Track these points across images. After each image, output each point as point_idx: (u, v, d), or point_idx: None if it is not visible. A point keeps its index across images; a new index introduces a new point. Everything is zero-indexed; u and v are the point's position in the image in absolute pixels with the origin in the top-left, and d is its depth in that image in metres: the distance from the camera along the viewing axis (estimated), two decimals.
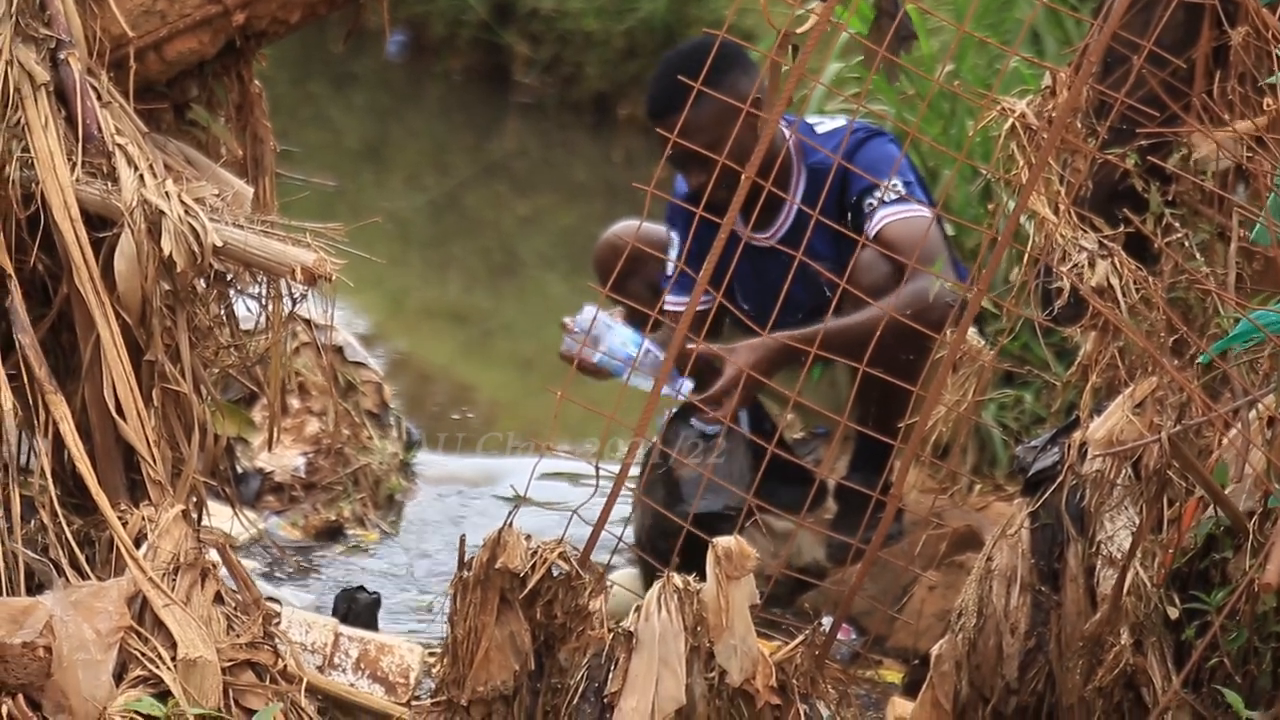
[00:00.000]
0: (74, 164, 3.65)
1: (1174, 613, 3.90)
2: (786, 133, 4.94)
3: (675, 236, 5.13)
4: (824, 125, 5.13)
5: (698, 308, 3.82)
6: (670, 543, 4.09)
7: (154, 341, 3.62)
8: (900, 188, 5.01)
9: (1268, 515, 3.71)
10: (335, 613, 4.67)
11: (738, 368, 4.73)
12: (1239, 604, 3.66)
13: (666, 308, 5.03)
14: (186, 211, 3.60)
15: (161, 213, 3.59)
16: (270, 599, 3.90)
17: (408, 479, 5.95)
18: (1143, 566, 3.94)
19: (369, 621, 4.67)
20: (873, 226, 4.92)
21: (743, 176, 3.85)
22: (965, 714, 4.18)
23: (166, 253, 3.58)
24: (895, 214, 4.90)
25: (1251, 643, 3.69)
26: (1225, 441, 3.90)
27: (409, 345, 7.75)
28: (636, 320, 4.95)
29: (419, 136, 11.28)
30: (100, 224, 3.65)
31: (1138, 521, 3.98)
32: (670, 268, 5.12)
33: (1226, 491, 3.86)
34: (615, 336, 4.89)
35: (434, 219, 9.58)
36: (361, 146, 11.08)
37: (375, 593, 4.80)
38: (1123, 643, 3.94)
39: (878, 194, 4.94)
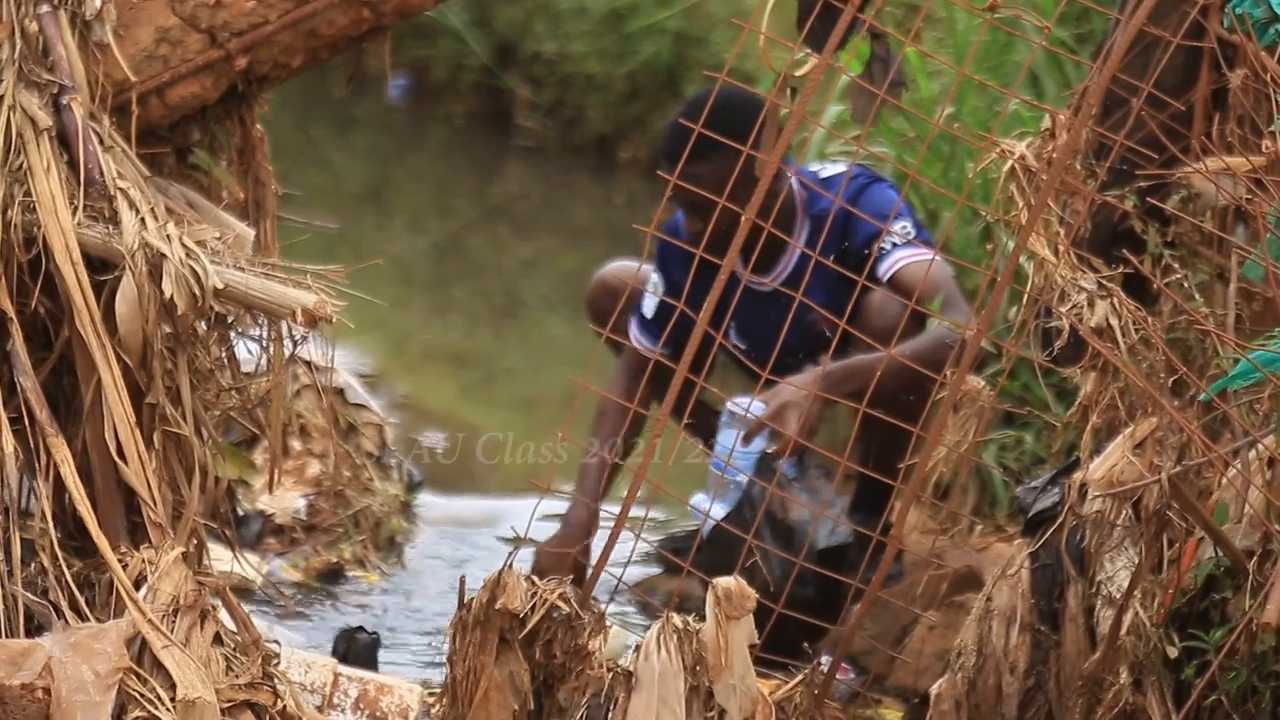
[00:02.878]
0: (75, 208, 3.66)
1: (1173, 652, 3.90)
2: (793, 179, 4.96)
3: (657, 277, 5.13)
4: (825, 171, 5.15)
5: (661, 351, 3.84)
6: (807, 590, 4.07)
7: (155, 384, 3.62)
8: (910, 231, 5.03)
9: (1267, 555, 3.71)
10: (335, 653, 4.67)
11: (784, 395, 4.75)
12: (1238, 643, 3.66)
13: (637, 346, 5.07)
14: (188, 254, 3.62)
15: (163, 255, 3.61)
16: (270, 641, 3.90)
17: (409, 520, 5.95)
18: (1142, 606, 3.94)
19: (368, 661, 4.67)
20: (887, 270, 4.94)
21: (743, 219, 3.87)
22: None
23: (168, 295, 3.59)
24: (909, 257, 4.92)
25: (1251, 682, 3.69)
26: (1225, 482, 3.90)
27: (411, 388, 7.76)
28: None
29: (421, 180, 11.30)
30: (101, 267, 3.67)
31: (1137, 561, 3.98)
32: (647, 305, 5.13)
33: (1226, 531, 3.86)
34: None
35: (436, 261, 9.59)
36: (363, 189, 11.11)
37: (374, 633, 4.80)
38: (1122, 682, 3.94)
39: (888, 238, 4.96)
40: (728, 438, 4.85)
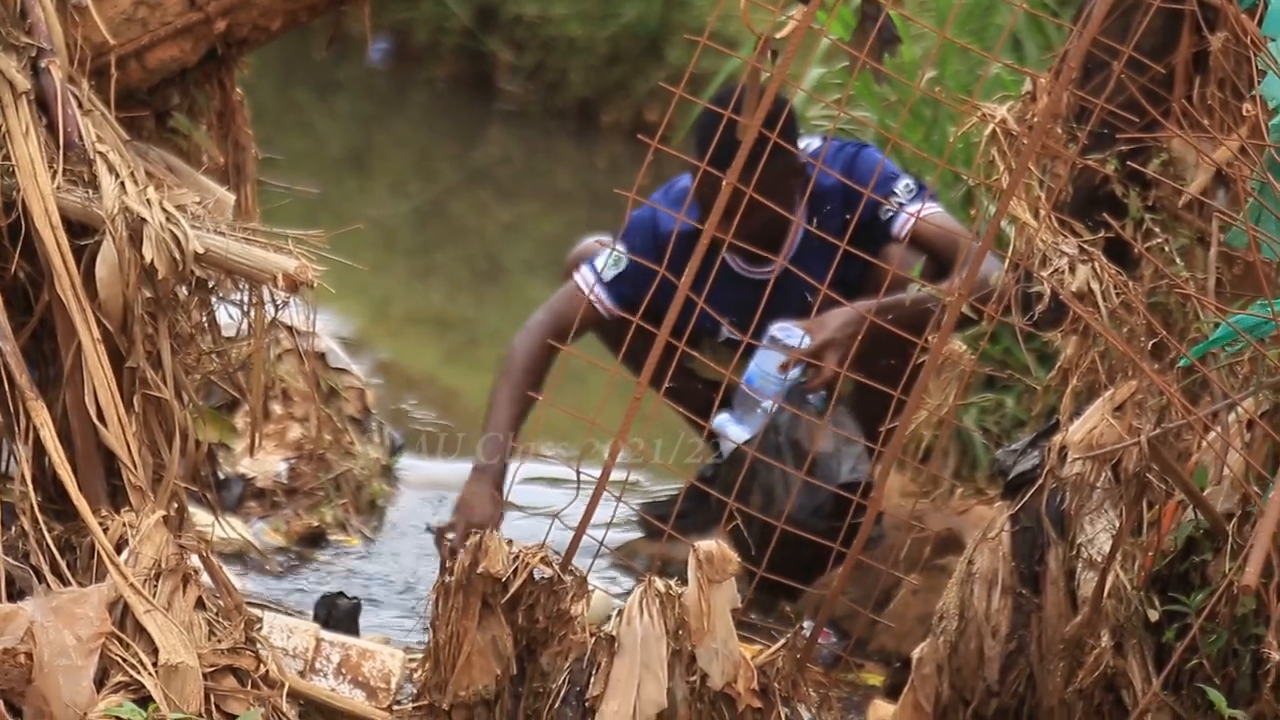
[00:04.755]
0: (55, 172, 3.65)
1: (1154, 615, 3.91)
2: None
3: (621, 248, 5.13)
4: (803, 144, 5.14)
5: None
6: (823, 522, 4.05)
7: (135, 348, 3.62)
8: (912, 187, 5.07)
9: (1247, 518, 3.73)
10: (316, 618, 4.67)
11: (829, 331, 4.78)
12: (1218, 606, 3.67)
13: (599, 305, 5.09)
14: (168, 219, 3.61)
15: (143, 220, 3.60)
16: (252, 604, 3.90)
17: (390, 484, 5.95)
18: (1123, 569, 3.96)
19: (349, 627, 4.68)
20: (901, 228, 4.97)
21: (746, 209, 3.85)
22: (946, 716, 4.19)
23: (148, 260, 3.58)
24: (920, 211, 4.95)
25: (1231, 644, 3.71)
26: (1204, 444, 3.91)
27: (393, 352, 7.75)
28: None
29: (403, 144, 11.28)
30: (81, 231, 3.66)
31: (1118, 524, 3.99)
32: (603, 266, 5.14)
33: (1206, 494, 3.87)
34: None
35: (418, 226, 9.58)
36: (345, 154, 11.09)
37: (355, 598, 4.80)
38: (1103, 645, 3.95)
39: (893, 199, 5.00)
40: (766, 359, 4.90)
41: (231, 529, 4.90)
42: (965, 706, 4.14)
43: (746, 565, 3.85)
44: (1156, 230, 4.27)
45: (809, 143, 5.17)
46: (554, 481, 5.50)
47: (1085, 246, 4.07)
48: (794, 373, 4.88)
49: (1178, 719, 3.83)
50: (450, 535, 4.88)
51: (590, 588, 3.80)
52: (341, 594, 4.84)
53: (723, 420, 4.98)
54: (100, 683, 3.26)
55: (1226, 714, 3.37)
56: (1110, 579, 3.95)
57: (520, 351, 5.13)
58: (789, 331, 4.89)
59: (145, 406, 3.63)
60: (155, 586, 3.40)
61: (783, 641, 3.81)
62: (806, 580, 4.05)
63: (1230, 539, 3.73)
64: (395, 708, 3.88)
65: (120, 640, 3.30)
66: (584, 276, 5.16)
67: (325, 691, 4.08)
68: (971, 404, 5.34)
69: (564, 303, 5.19)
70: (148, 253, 3.58)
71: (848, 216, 4.93)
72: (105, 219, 3.60)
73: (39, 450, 3.57)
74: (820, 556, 3.95)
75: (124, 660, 3.27)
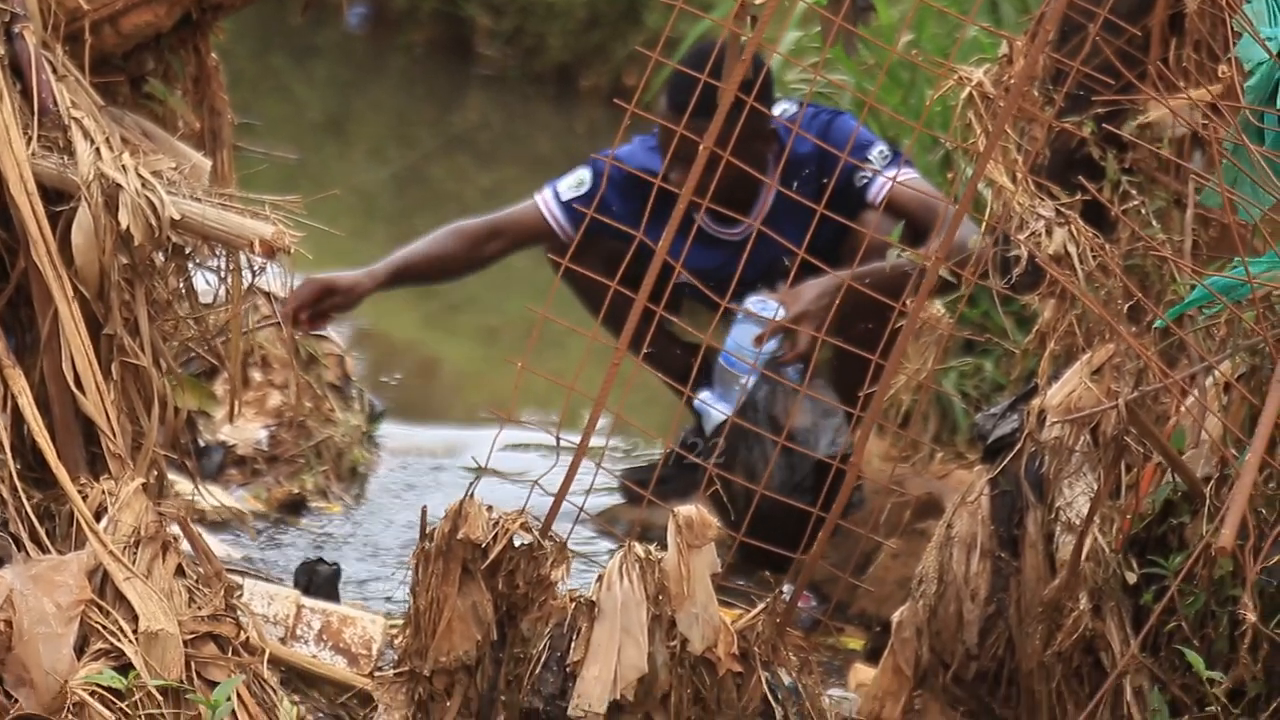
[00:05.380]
0: (29, 138, 3.64)
1: (1132, 577, 3.93)
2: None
3: (589, 179, 5.16)
4: (778, 110, 5.14)
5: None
6: (805, 497, 4.06)
7: (112, 315, 3.61)
8: (887, 153, 5.08)
9: (1224, 480, 3.74)
10: (297, 585, 4.67)
11: (804, 303, 4.79)
12: (1196, 568, 3.69)
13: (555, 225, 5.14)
14: (144, 185, 3.60)
15: (118, 186, 3.58)
16: (232, 571, 3.90)
17: (371, 451, 5.95)
18: (1101, 532, 3.97)
19: (330, 593, 4.68)
20: (877, 193, 4.98)
21: (720, 164, 3.85)
22: (926, 679, 4.20)
23: (124, 226, 3.57)
24: (895, 176, 4.95)
25: (1209, 606, 3.72)
26: (1182, 408, 3.92)
27: (373, 318, 7.74)
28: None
29: (381, 109, 11.26)
30: (57, 198, 3.64)
31: (1096, 487, 4.00)
32: (565, 189, 5.18)
33: (1184, 457, 3.88)
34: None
35: (397, 192, 9.57)
36: (323, 119, 11.06)
37: (335, 564, 4.80)
38: (1081, 608, 3.96)
39: (870, 162, 5.00)
40: (742, 334, 4.91)
41: (212, 496, 4.90)
42: (945, 669, 4.16)
43: (731, 534, 3.86)
44: (1133, 193, 4.27)
45: (784, 108, 5.17)
46: (534, 447, 5.51)
47: (1062, 209, 4.07)
48: (770, 345, 4.88)
49: (1156, 680, 3.84)
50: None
51: (570, 553, 3.80)
52: (321, 560, 4.84)
53: (705, 398, 4.98)
54: (80, 650, 3.26)
55: (1204, 675, 3.38)
56: (1088, 542, 3.96)
57: (458, 222, 5.21)
58: (764, 304, 4.88)
59: (123, 374, 3.62)
60: (135, 554, 3.40)
61: (763, 606, 3.81)
62: (790, 553, 4.06)
63: (1208, 501, 3.74)
64: (376, 674, 3.88)
65: (100, 608, 3.30)
66: (543, 194, 5.22)
67: (306, 658, 4.09)
68: (950, 368, 5.34)
69: (516, 210, 5.26)
70: (124, 219, 3.57)
71: (824, 181, 4.93)
72: (81, 185, 3.59)
73: (17, 418, 3.56)
74: (803, 533, 3.96)
75: (104, 628, 3.27)
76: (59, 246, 3.60)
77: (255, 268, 3.70)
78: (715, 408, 4.83)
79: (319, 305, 5.14)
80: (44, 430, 3.53)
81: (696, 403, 4.95)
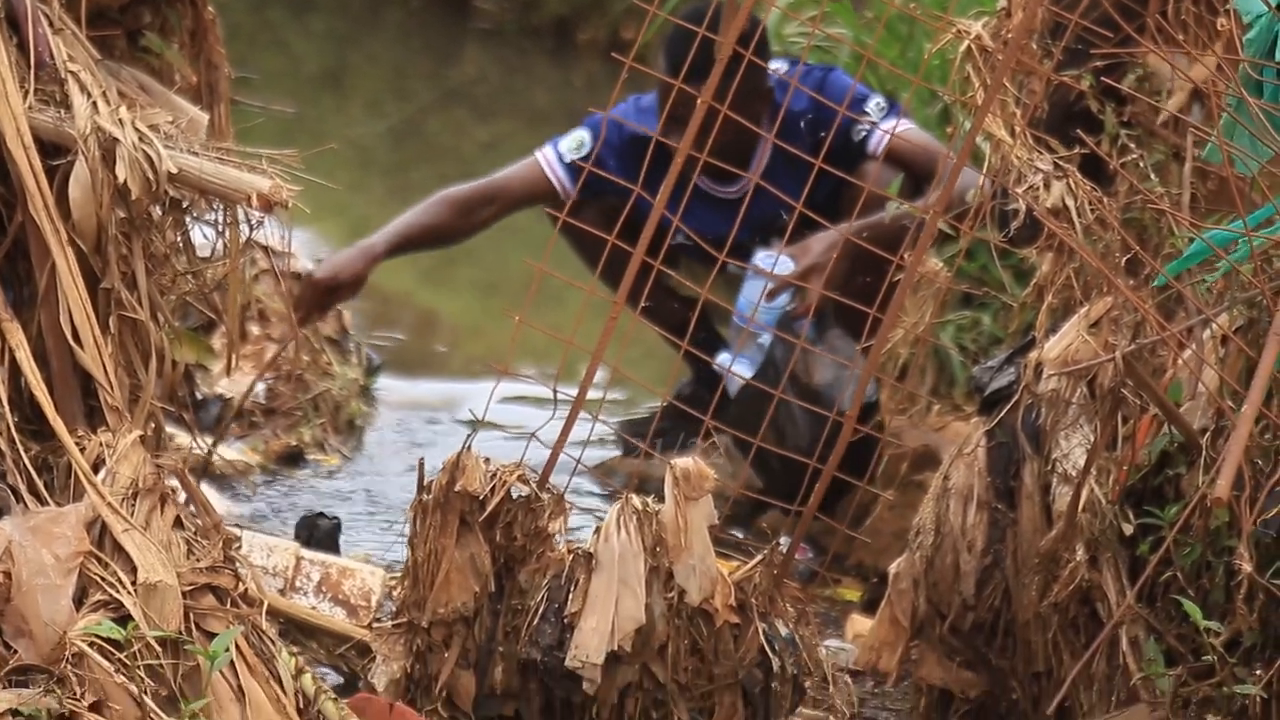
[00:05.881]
0: (26, 91, 3.63)
1: (1128, 529, 3.94)
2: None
3: (588, 139, 5.17)
4: (772, 67, 5.13)
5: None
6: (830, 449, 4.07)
7: (110, 269, 3.61)
8: (884, 105, 5.08)
9: (1221, 432, 3.75)
10: (297, 539, 4.68)
11: (813, 256, 4.80)
12: (1192, 519, 3.70)
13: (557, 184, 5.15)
14: (141, 138, 3.59)
15: (115, 140, 3.58)
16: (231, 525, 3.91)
17: (368, 404, 5.96)
18: (1098, 483, 3.98)
19: (330, 546, 4.69)
20: (876, 145, 4.98)
21: (718, 118, 3.84)
22: (923, 630, 4.22)
23: (121, 180, 3.57)
24: (893, 128, 4.94)
25: (1205, 557, 3.73)
26: (1179, 360, 3.93)
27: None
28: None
29: (378, 63, 11.23)
30: (54, 152, 3.64)
31: (1093, 439, 4.01)
32: (565, 149, 5.19)
33: (1180, 409, 3.89)
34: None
35: (394, 146, 9.55)
36: (320, 73, 11.03)
37: (336, 518, 4.81)
38: (1078, 559, 3.98)
39: (866, 118, 5.00)
40: (753, 290, 4.91)
41: (209, 449, 4.91)
42: (941, 620, 4.17)
43: (765, 499, 3.88)
44: (1131, 146, 4.27)
45: (778, 66, 5.16)
46: (531, 400, 5.51)
47: (1060, 163, 4.07)
48: (781, 299, 4.88)
49: (1152, 630, 3.86)
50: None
51: (568, 505, 3.81)
52: (322, 514, 4.86)
53: (724, 360, 4.99)
54: (79, 601, 3.26)
55: (1201, 625, 3.40)
56: (1085, 493, 3.97)
57: (449, 189, 5.24)
58: (773, 259, 4.89)
59: (121, 327, 3.62)
60: (133, 506, 3.40)
61: (760, 557, 3.82)
62: (830, 508, 4.06)
63: (1204, 453, 3.75)
64: (375, 625, 3.89)
65: (98, 559, 3.30)
66: (544, 153, 5.23)
67: (305, 609, 4.10)
68: (948, 321, 5.35)
69: (515, 170, 5.27)
70: (121, 173, 3.56)
71: (821, 136, 4.93)
72: (78, 139, 3.58)
73: (15, 371, 3.56)
74: (836, 486, 3.96)
75: (102, 579, 3.27)
76: (56, 200, 3.59)
77: (253, 222, 3.70)
78: (735, 372, 4.81)
79: (325, 304, 5.17)
80: (42, 383, 3.53)
81: (716, 365, 4.96)
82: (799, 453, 4.05)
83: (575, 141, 5.23)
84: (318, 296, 5.13)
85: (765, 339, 4.88)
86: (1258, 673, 3.36)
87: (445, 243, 5.39)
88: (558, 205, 5.15)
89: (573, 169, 5.18)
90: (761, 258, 4.92)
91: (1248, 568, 3.11)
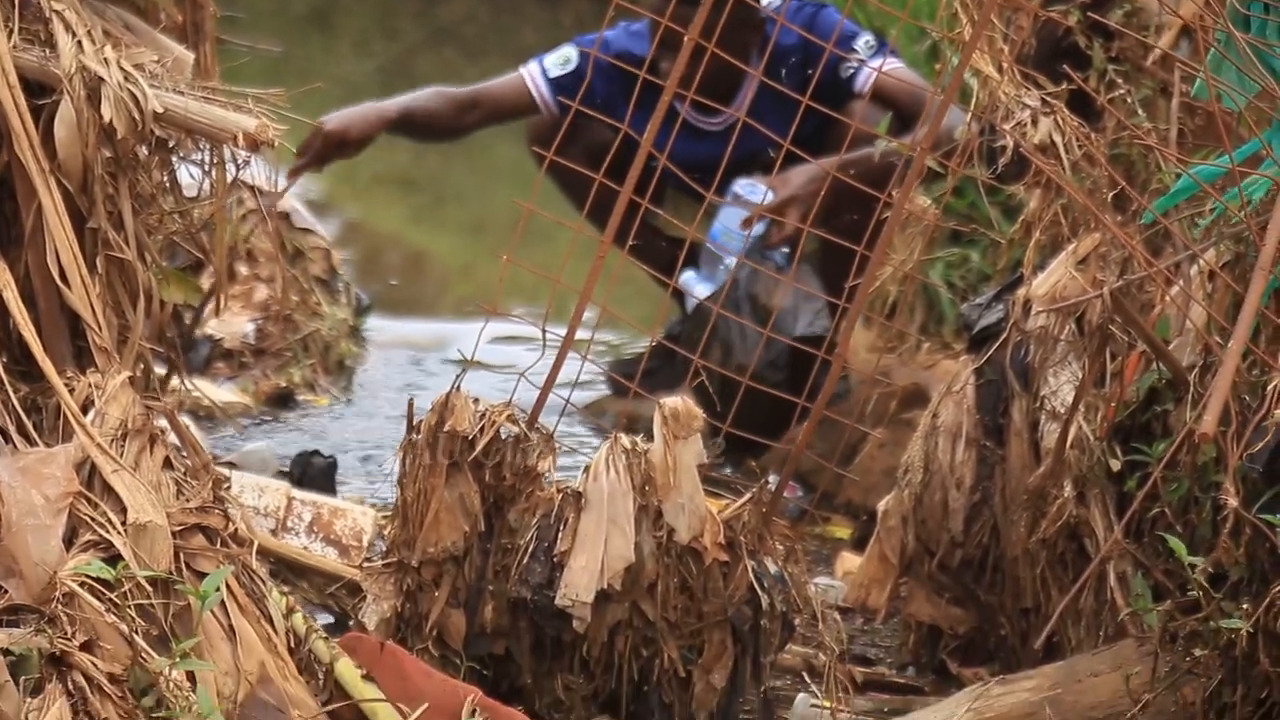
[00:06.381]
0: (10, 30, 3.61)
1: (1116, 465, 3.95)
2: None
3: (575, 56, 5.17)
4: (762, 2, 5.12)
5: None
6: (779, 374, 4.07)
7: (96, 208, 3.60)
8: (873, 43, 5.07)
9: (1208, 368, 3.75)
10: (290, 477, 4.69)
11: (792, 188, 4.80)
12: (1180, 455, 3.71)
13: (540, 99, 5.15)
14: (126, 78, 3.58)
15: (101, 79, 3.57)
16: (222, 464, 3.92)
17: (358, 344, 5.96)
18: (1085, 420, 3.99)
19: (325, 485, 4.70)
20: (863, 84, 4.98)
21: (705, 52, 3.82)
22: (912, 567, 4.23)
23: (107, 119, 3.56)
24: (881, 67, 4.93)
25: (1192, 492, 3.74)
26: (1167, 296, 3.93)
27: (360, 212, 7.73)
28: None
29: (366, 1, 11.18)
30: (39, 91, 3.62)
31: (1081, 376, 4.02)
32: (551, 65, 5.19)
33: (1168, 345, 3.90)
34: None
35: (383, 85, 9.49)
36: (307, 11, 10.99)
37: (331, 457, 4.82)
38: (1066, 495, 3.99)
39: (854, 55, 4.99)
40: (729, 216, 4.92)
41: (199, 390, 4.91)
42: (930, 557, 4.19)
43: (711, 420, 3.87)
44: (1119, 82, 4.27)
45: (768, 1, 5.15)
46: (520, 340, 5.51)
47: (1048, 99, 4.06)
48: (757, 229, 4.89)
49: (1139, 566, 3.87)
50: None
51: (557, 445, 3.81)
52: (317, 452, 4.86)
53: (688, 278, 5.00)
54: (69, 542, 3.26)
55: (1186, 560, 3.41)
56: (1073, 430, 3.99)
57: (438, 88, 5.29)
58: (753, 188, 4.89)
59: (108, 267, 3.62)
60: (122, 447, 3.40)
61: (749, 496, 3.83)
62: (769, 434, 4.07)
63: (1191, 389, 3.76)
64: (366, 565, 3.90)
65: (88, 500, 3.30)
66: (529, 67, 5.24)
67: (296, 549, 4.11)
68: (937, 259, 5.35)
69: (501, 81, 5.29)
70: (106, 112, 3.55)
71: (809, 72, 4.92)
72: (63, 78, 3.57)
73: (2, 312, 3.55)
74: (780, 408, 3.97)
75: (92, 519, 3.27)
76: (41, 140, 3.58)
77: (239, 161, 3.69)
78: (695, 290, 4.84)
79: (329, 156, 5.19)
80: (29, 324, 3.53)
81: (680, 281, 4.97)
82: (741, 371, 4.04)
83: (561, 58, 5.24)
84: (324, 147, 5.14)
85: (731, 262, 4.90)
86: (1244, 607, 3.37)
87: (435, 135, 5.44)
88: (540, 123, 5.18)
89: (557, 85, 5.19)
90: (741, 185, 4.93)
91: (1234, 502, 3.12)
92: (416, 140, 5.63)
